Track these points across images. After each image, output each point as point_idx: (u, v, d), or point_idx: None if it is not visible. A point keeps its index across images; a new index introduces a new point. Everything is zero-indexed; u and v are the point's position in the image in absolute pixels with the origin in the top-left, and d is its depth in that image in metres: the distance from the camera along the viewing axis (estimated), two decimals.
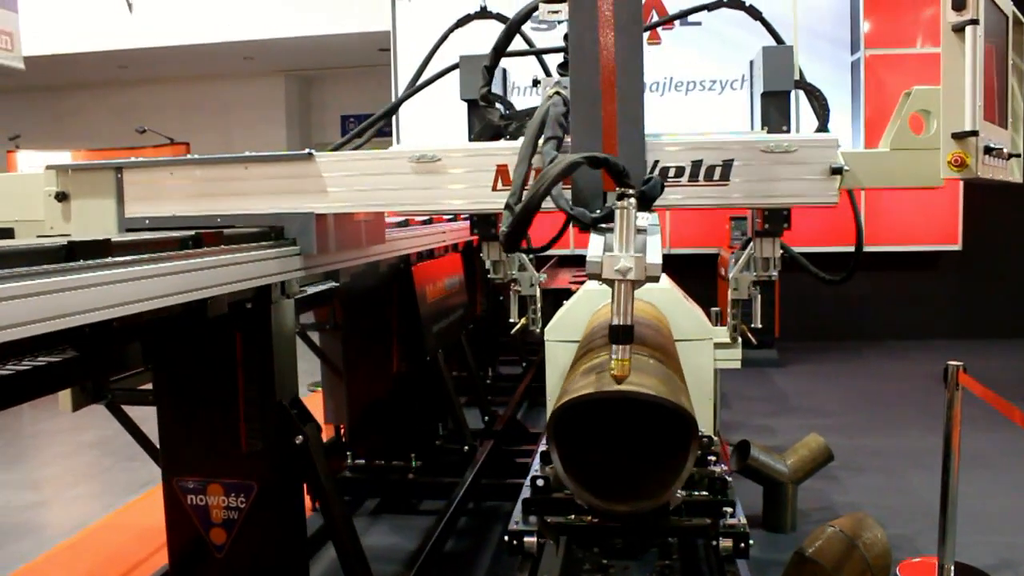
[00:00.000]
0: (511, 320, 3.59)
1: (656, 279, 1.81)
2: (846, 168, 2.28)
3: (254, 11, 11.07)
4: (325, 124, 14.36)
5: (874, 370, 7.92)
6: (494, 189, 2.35)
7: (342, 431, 4.76)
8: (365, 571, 2.82)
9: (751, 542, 3.07)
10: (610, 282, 1.79)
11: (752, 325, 4.17)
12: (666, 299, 4.08)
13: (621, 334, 1.85)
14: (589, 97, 2.09)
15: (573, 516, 3.24)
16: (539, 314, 3.60)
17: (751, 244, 3.03)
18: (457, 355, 5.54)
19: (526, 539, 3.05)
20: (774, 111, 2.98)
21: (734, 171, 2.31)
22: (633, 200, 1.76)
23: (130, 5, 10.87)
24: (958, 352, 8.55)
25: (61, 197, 2.53)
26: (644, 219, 1.88)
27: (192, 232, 2.22)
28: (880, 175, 2.34)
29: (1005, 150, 2.23)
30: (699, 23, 8.91)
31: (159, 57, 12.03)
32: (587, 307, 4.09)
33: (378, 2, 9.68)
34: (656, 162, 2.32)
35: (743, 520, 3.06)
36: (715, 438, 4.00)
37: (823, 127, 2.85)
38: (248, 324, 2.63)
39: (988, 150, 2.05)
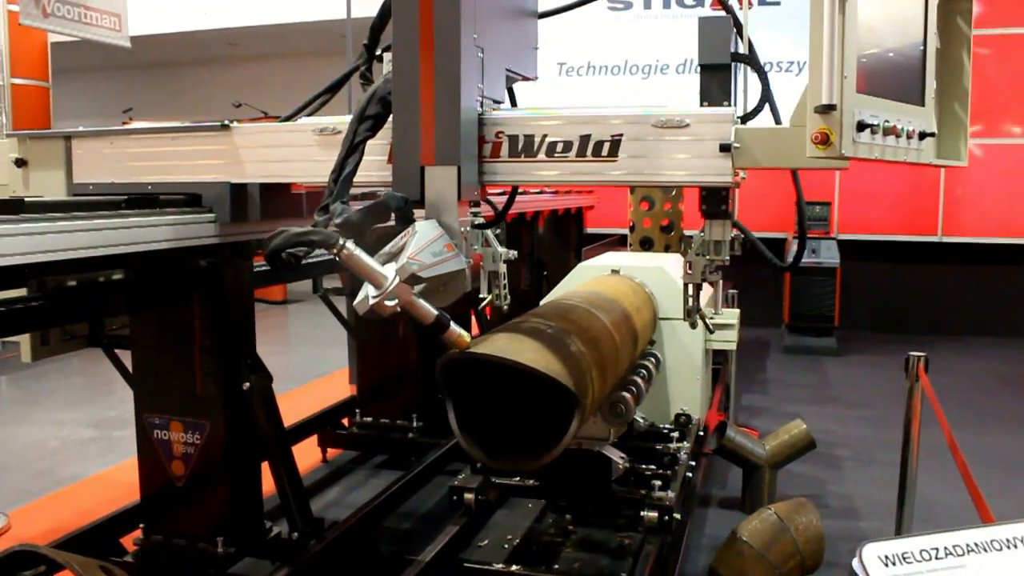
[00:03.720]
0: (480, 296, 3.68)
1: (415, 279, 1.95)
2: (735, 145, 2.26)
3: None
4: None
5: (940, 366, 7.48)
6: (389, 161, 2.45)
7: None
8: (301, 501, 3.05)
9: (677, 516, 3.14)
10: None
11: (715, 312, 4.15)
12: (654, 278, 4.13)
13: (439, 327, 2.09)
14: (408, 76, 2.15)
15: (518, 478, 3.38)
16: (505, 289, 3.67)
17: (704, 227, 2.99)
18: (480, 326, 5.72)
19: (466, 495, 3.23)
20: (715, 85, 2.96)
21: (623, 147, 2.29)
22: (350, 246, 1.92)
23: None
24: None
25: (20, 163, 2.79)
26: (395, 241, 2.03)
27: (118, 197, 2.46)
28: (778, 153, 2.26)
29: (914, 129, 2.15)
30: (777, 2, 8.69)
31: (265, 35, 12.69)
32: (581, 281, 4.19)
33: None
34: (544, 136, 2.37)
35: (671, 495, 3.13)
36: (695, 417, 4.04)
37: (762, 103, 2.80)
38: (204, 281, 2.89)
39: (863, 126, 1.99)
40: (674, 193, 5.51)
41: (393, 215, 2.18)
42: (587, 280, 4.06)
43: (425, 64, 2.16)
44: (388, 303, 1.95)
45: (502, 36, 2.52)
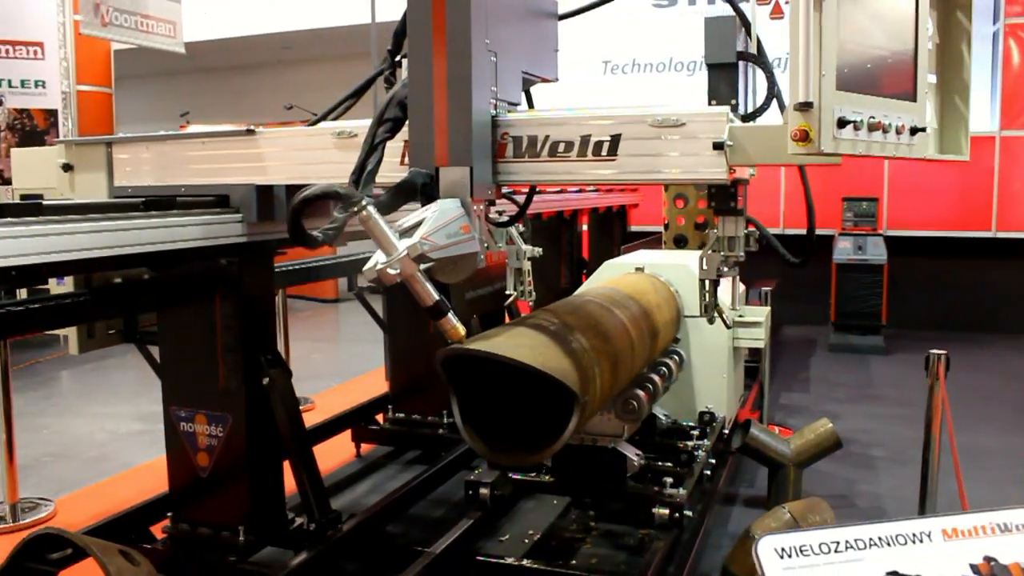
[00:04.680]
0: (507, 292, 3.72)
1: (422, 258, 2.00)
2: (728, 143, 2.27)
3: None
4: None
5: (995, 366, 7.35)
6: (401, 163, 2.53)
7: None
8: (320, 493, 3.15)
9: (688, 513, 3.14)
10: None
11: (732, 307, 4.11)
12: (679, 276, 4.12)
13: (435, 312, 2.14)
14: (423, 81, 2.22)
15: (534, 474, 3.43)
16: (530, 286, 3.70)
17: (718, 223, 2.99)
18: None
19: (481, 490, 3.28)
20: (722, 84, 2.98)
21: (622, 146, 2.33)
22: (370, 209, 1.96)
23: None
24: None
25: (67, 168, 2.96)
26: (416, 215, 2.09)
27: (136, 200, 2.58)
28: (769, 151, 2.28)
29: (904, 125, 2.13)
30: None
31: (318, 38, 12.94)
32: (605, 279, 4.21)
33: None
34: (547, 137, 2.42)
35: (683, 492, 3.14)
36: (719, 415, 4.03)
37: (769, 100, 2.79)
38: (226, 279, 3.01)
39: (845, 123, 1.98)
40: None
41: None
42: (610, 278, 4.08)
43: (438, 69, 2.23)
44: (391, 271, 2.01)
45: (518, 39, 2.56)
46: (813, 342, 8.20)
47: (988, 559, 1.27)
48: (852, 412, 5.72)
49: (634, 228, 8.76)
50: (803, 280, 8.47)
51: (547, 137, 2.40)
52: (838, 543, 1.32)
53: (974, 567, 1.27)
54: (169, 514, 3.24)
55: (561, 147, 2.39)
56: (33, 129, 9.27)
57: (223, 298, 3.03)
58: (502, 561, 3.06)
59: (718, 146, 2.27)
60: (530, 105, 2.90)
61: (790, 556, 1.30)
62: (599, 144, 2.37)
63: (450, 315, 2.21)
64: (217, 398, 3.08)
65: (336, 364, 7.92)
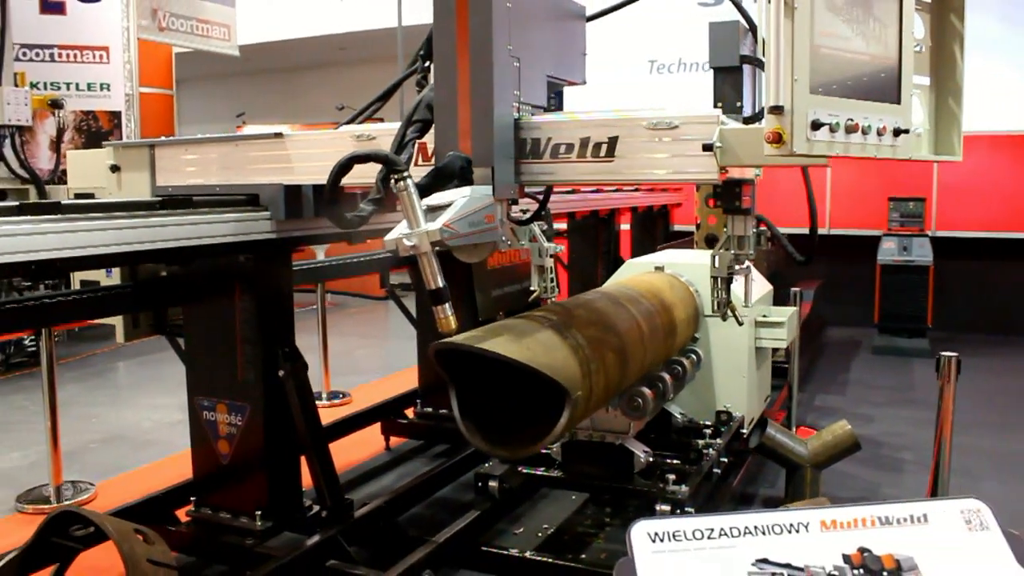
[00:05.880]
0: (531, 289, 3.77)
1: (439, 243, 2.09)
2: (717, 144, 2.30)
3: None
4: None
5: None
6: (415, 164, 2.63)
7: None
8: (332, 482, 3.26)
9: (689, 511, 3.17)
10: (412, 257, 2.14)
11: (745, 304, 4.10)
12: (699, 275, 4.13)
13: (435, 296, 2.21)
14: (447, 85, 2.33)
15: (543, 468, 3.49)
16: (552, 283, 3.73)
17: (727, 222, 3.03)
18: None
19: (490, 483, 3.36)
20: (727, 87, 3.01)
21: (619, 147, 2.41)
22: (408, 182, 2.03)
23: None
24: None
25: (115, 169, 3.16)
26: (449, 195, 2.16)
27: (153, 199, 2.73)
28: (753, 152, 2.29)
29: (885, 127, 2.14)
30: None
31: (371, 39, 13.15)
32: (624, 278, 4.24)
33: None
34: (549, 139, 2.49)
35: (685, 489, 3.17)
36: (736, 414, 4.03)
37: None
38: (245, 274, 3.15)
39: (819, 125, 2.00)
40: None
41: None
42: (629, 276, 4.11)
43: (462, 74, 2.34)
44: (407, 243, 2.12)
45: (543, 44, 2.63)
46: (857, 344, 8.06)
47: (862, 549, 1.29)
48: (887, 415, 5.64)
49: (677, 227, 8.74)
50: (849, 281, 8.35)
51: (549, 139, 2.48)
52: (712, 530, 1.35)
53: (846, 557, 1.29)
54: (192, 499, 3.39)
55: (563, 149, 2.47)
56: (98, 130, 9.65)
57: (242, 292, 3.17)
58: (506, 552, 3.13)
59: (707, 148, 2.31)
60: (560, 107, 2.96)
61: (663, 540, 1.34)
62: (598, 146, 2.44)
63: (447, 305, 2.29)
64: (236, 389, 3.22)
65: (379, 360, 8.07)
